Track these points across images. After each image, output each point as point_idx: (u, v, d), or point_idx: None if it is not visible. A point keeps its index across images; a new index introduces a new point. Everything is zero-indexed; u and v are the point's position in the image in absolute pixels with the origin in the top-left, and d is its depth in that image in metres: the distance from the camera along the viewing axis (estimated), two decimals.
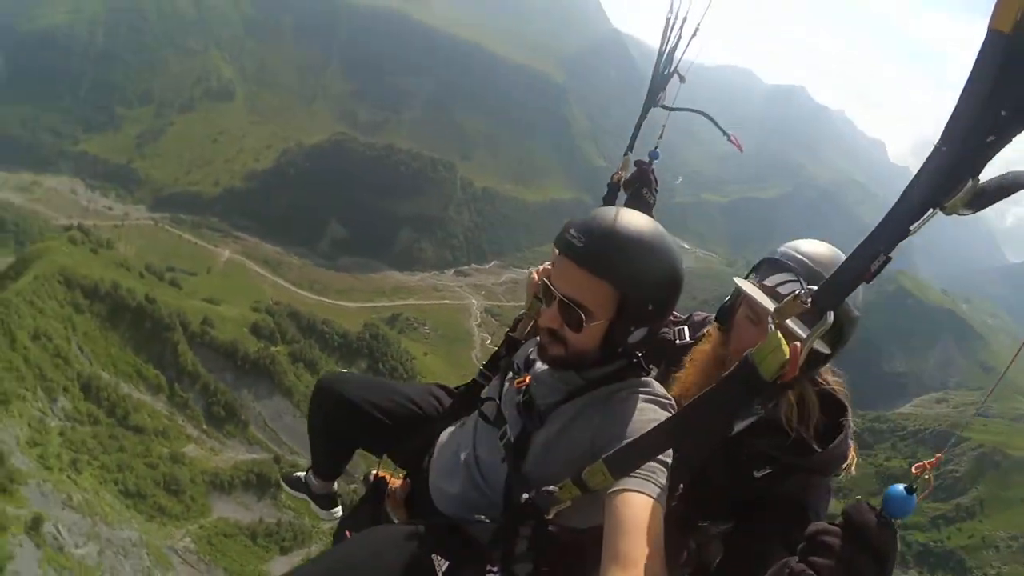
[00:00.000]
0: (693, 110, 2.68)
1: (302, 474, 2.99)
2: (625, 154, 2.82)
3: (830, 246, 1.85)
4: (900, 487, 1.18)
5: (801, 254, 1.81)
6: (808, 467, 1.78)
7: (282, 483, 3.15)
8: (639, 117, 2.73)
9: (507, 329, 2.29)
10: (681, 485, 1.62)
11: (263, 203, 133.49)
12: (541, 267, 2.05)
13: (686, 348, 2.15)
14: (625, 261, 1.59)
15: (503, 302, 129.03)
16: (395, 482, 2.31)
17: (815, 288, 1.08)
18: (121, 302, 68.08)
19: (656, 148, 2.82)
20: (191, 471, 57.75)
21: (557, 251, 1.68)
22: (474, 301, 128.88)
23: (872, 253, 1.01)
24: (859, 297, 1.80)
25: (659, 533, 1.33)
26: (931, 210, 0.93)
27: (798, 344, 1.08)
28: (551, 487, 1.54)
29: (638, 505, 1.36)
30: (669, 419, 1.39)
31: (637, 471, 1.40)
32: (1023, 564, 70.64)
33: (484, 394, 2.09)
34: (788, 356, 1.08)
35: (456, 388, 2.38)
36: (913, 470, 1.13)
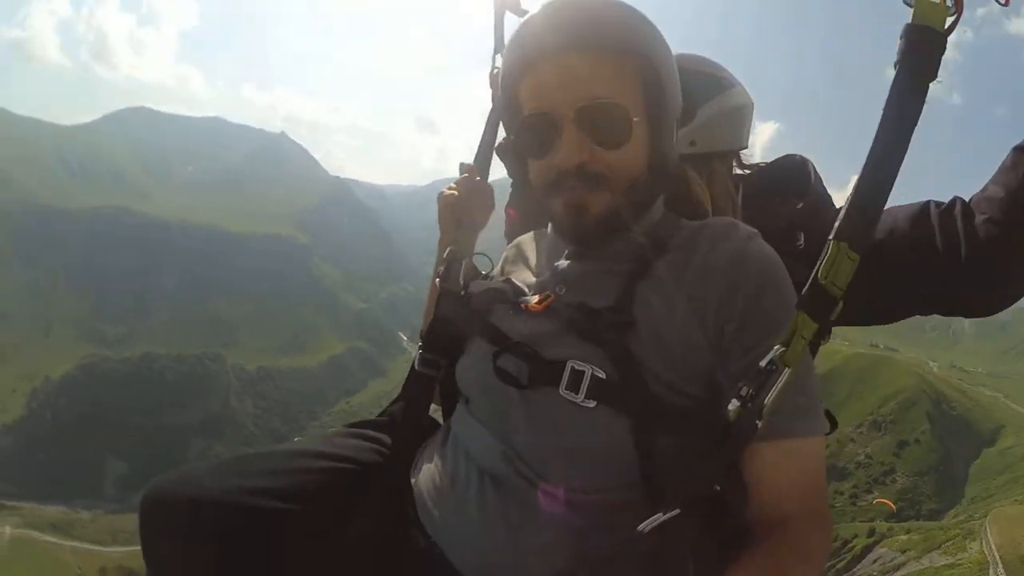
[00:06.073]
0: None
1: None
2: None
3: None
4: None
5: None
6: (816, 204, 1.65)
7: None
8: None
9: (435, 278, 1.52)
10: None
11: (26, 459, 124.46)
12: (455, 184, 1.58)
13: None
14: (625, 18, 1.21)
15: None
16: None
17: None
18: None
19: None
20: None
21: (522, 59, 1.25)
22: None
23: None
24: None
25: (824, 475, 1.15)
26: None
27: None
28: (769, 354, 1.05)
29: (806, 453, 1.11)
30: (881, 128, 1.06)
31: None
32: (878, 438, 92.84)
33: (463, 372, 1.38)
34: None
35: (391, 406, 1.58)
36: None
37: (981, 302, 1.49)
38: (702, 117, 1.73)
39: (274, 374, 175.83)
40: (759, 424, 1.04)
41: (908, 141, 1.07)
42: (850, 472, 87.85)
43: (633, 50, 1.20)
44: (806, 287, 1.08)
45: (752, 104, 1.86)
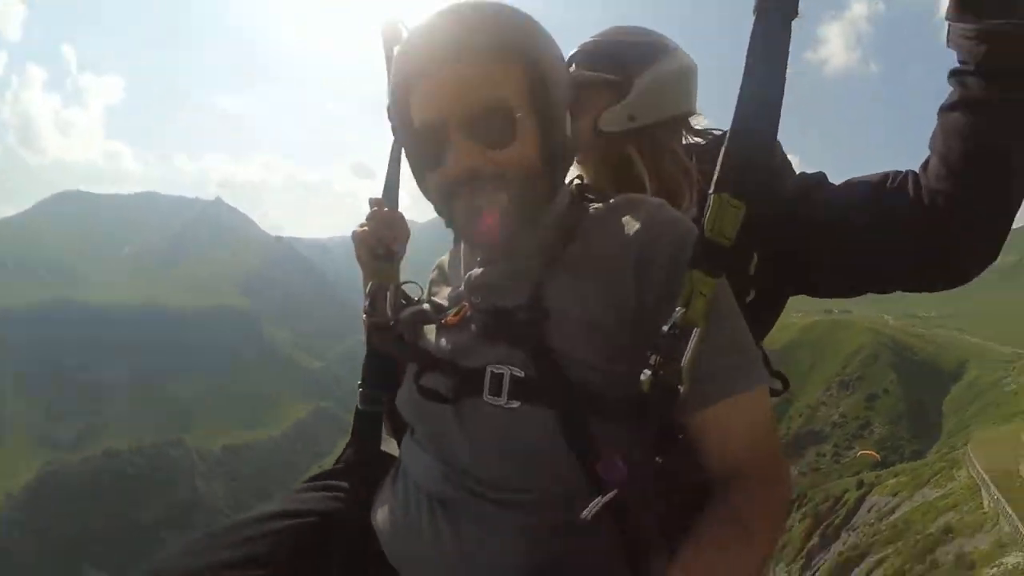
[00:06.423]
0: None
1: None
2: None
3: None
4: None
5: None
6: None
7: None
8: None
9: (363, 314, 1.48)
10: None
11: None
12: (365, 220, 1.53)
13: None
14: (494, 18, 1.16)
15: None
16: None
17: None
18: None
19: None
20: None
21: (403, 80, 1.20)
22: None
23: None
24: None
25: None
26: None
27: None
28: (675, 311, 1.05)
29: (749, 408, 1.09)
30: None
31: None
32: (848, 396, 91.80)
33: (399, 402, 1.36)
34: None
35: (345, 451, 1.57)
36: None
37: (939, 274, 1.38)
38: (638, 88, 1.60)
39: (240, 450, 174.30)
40: (681, 390, 1.03)
41: (781, 85, 1.07)
42: (827, 434, 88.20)
43: (509, 47, 1.15)
44: (694, 244, 1.08)
45: (694, 66, 1.68)
